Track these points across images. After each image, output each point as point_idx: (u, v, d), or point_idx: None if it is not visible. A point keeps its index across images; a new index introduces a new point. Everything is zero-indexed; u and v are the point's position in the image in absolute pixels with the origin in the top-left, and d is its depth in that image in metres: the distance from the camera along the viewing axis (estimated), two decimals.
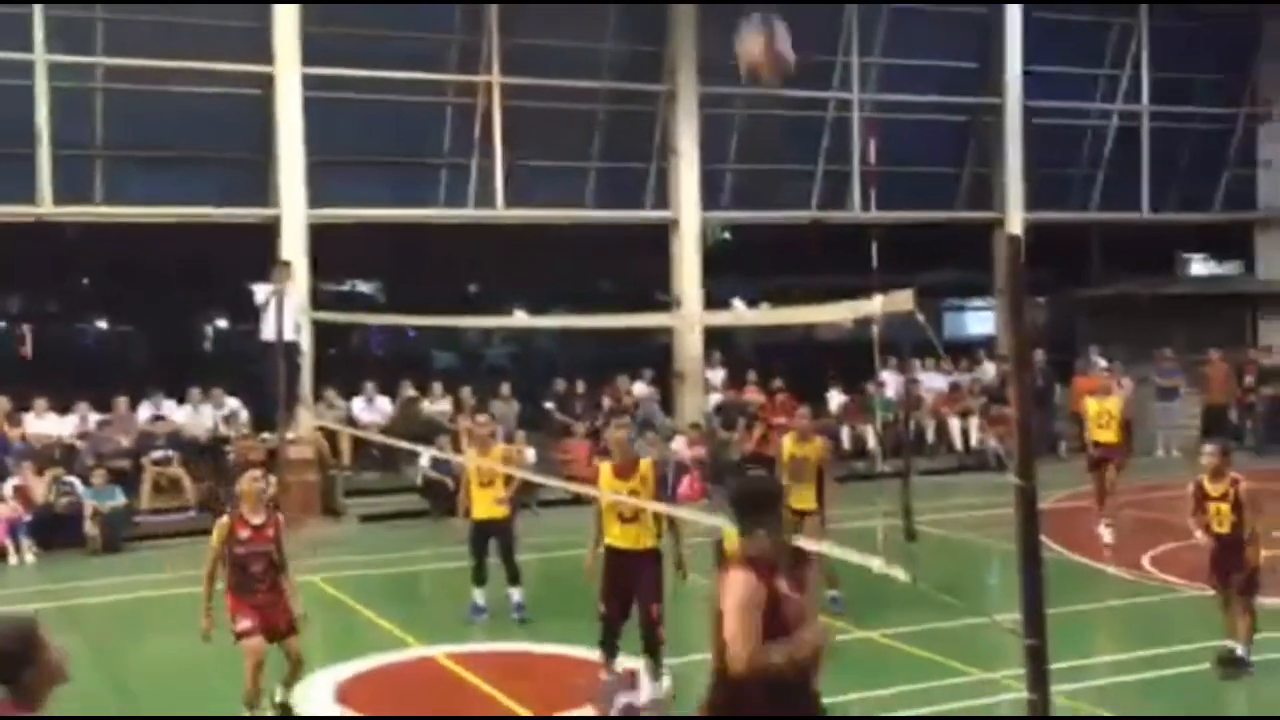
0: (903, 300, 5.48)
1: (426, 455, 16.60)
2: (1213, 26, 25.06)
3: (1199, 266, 29.50)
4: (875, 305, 5.74)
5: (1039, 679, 4.96)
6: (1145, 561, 13.38)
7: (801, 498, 11.41)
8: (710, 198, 21.53)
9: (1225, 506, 9.51)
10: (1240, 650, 9.35)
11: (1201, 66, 25.31)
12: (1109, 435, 15.31)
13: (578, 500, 16.18)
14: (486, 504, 11.79)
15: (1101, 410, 15.42)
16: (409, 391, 19.66)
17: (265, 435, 17.26)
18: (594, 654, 9.53)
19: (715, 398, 21.15)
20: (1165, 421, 22.27)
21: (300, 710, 8.87)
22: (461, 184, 20.39)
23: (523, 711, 8.99)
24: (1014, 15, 22.68)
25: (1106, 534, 14.69)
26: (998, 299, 24.68)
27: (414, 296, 23.40)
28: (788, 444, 11.93)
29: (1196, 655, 9.77)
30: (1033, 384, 5.14)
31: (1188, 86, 25.07)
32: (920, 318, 5.42)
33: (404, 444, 15.79)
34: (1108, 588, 12.40)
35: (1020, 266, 5.04)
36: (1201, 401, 22.10)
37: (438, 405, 19.54)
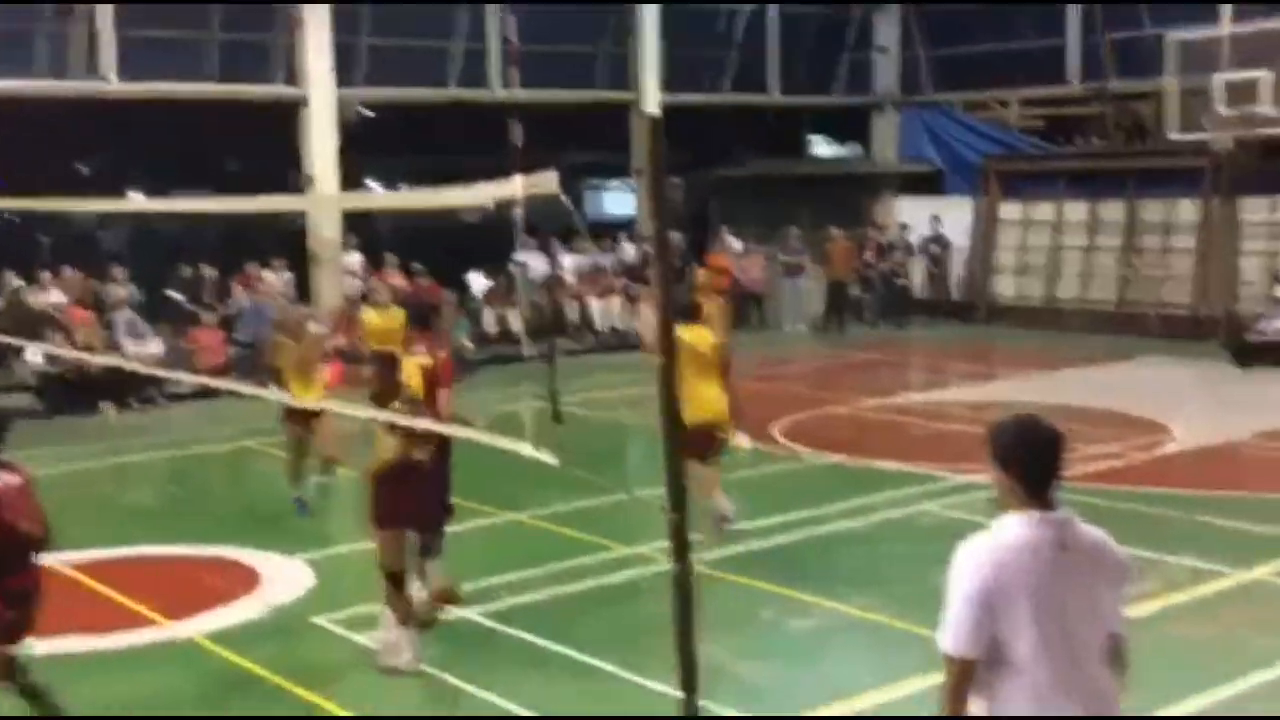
0: (546, 181, 5.49)
1: (36, 350, 15.54)
2: None
3: (823, 148, 31.19)
4: (517, 187, 5.72)
5: (682, 550, 5.19)
6: (775, 431, 14.18)
7: None
8: (345, 73, 20.81)
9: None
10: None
11: None
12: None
13: (208, 393, 15.61)
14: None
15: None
16: (14, 281, 18.21)
17: None
18: (223, 552, 9.53)
19: (354, 283, 20.73)
20: (791, 297, 23.56)
21: None
22: (63, 53, 18.79)
23: (155, 616, 8.65)
24: None
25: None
26: (637, 180, 25.26)
27: (15, 178, 21.51)
28: (372, 316, 13.22)
29: (821, 518, 10.55)
30: (672, 264, 5.27)
31: None
32: (565, 199, 5.45)
33: (10, 339, 14.70)
34: (741, 458, 13.07)
35: (660, 148, 5.13)
36: (825, 278, 23.43)
37: (48, 295, 18.21)
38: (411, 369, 8.04)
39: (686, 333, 9.11)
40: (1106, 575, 3.89)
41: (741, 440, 9.89)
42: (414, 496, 7.60)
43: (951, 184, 25.57)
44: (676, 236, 21.71)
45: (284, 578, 9.52)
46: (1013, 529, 3.82)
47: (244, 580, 9.50)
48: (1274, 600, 8.88)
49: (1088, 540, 3.89)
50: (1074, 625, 3.78)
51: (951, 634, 3.76)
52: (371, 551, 7.92)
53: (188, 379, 14.72)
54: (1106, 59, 23.31)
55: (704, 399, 9.29)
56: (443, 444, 7.74)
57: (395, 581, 7.64)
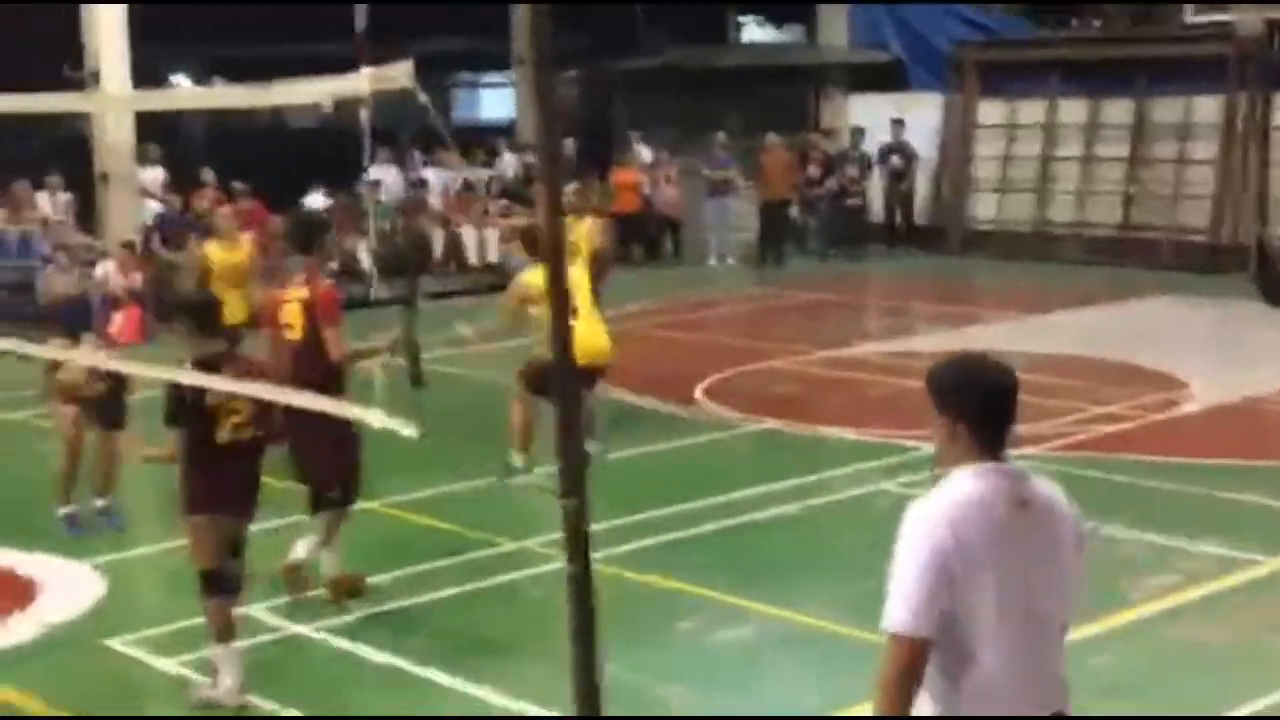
0: (399, 74, 5.43)
1: None
2: None
3: (755, 32, 31.20)
4: (363, 82, 5.66)
5: (579, 546, 5.18)
6: (698, 393, 14.24)
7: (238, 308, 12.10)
8: None
9: None
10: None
11: None
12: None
13: None
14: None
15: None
16: None
17: None
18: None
19: (154, 206, 20.43)
20: (717, 222, 23.61)
21: None
22: None
23: None
24: None
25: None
26: (519, 72, 25.09)
27: None
28: (214, 250, 13.44)
29: (756, 501, 10.62)
30: (558, 188, 5.25)
31: None
32: (423, 98, 5.39)
33: None
34: (657, 427, 13.13)
35: (546, 32, 5.07)
36: (759, 197, 23.46)
37: None
38: (291, 307, 8.49)
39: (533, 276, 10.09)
40: (1067, 540, 4.08)
41: None
42: (232, 476, 7.54)
43: (917, 78, 25.76)
44: (569, 145, 21.66)
45: (68, 588, 9.38)
46: (965, 483, 3.97)
47: (18, 593, 9.33)
48: None
49: (1045, 496, 4.07)
50: (1037, 599, 3.96)
51: (903, 608, 3.86)
52: (175, 551, 7.84)
53: None
54: None
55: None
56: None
57: (209, 583, 7.56)
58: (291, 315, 8.64)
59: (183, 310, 7.98)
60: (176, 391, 7.36)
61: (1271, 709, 7.28)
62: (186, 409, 7.33)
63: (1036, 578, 3.96)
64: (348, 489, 8.85)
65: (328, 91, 6.45)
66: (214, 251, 13.77)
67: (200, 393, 7.27)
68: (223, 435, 7.38)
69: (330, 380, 8.46)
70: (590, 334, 9.99)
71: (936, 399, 4.09)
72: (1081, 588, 4.14)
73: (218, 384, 7.21)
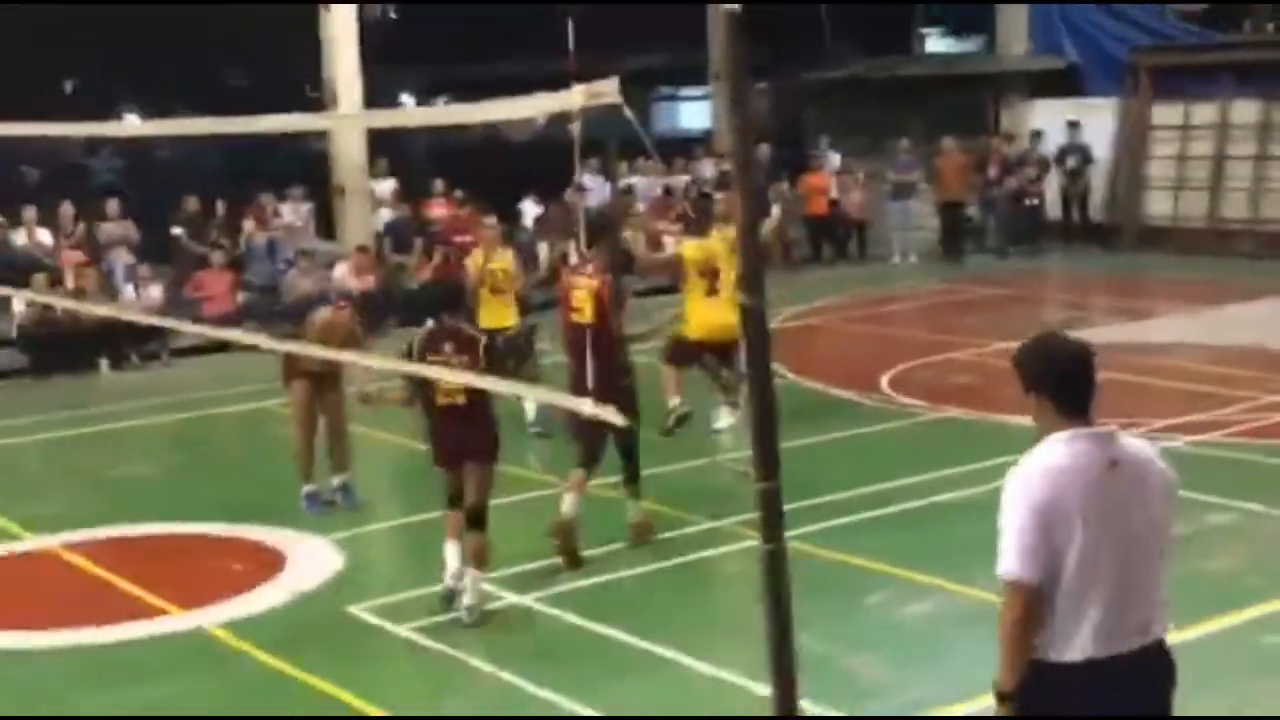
0: (607, 90, 5.46)
1: (21, 299, 15.88)
2: None
3: (937, 43, 30.80)
4: (575, 97, 5.70)
5: (774, 526, 5.18)
6: (884, 383, 14.13)
7: (498, 314, 12.17)
8: None
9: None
10: None
11: None
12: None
13: (218, 347, 15.85)
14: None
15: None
16: None
17: None
18: (236, 530, 10.01)
19: (385, 214, 20.86)
20: (900, 223, 23.36)
21: None
22: None
23: (163, 604, 8.85)
24: None
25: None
26: (714, 86, 25.12)
27: None
28: (477, 259, 12.65)
29: (938, 485, 10.51)
30: (757, 186, 5.26)
31: None
32: (628, 112, 5.42)
33: None
34: (844, 416, 13.06)
35: (741, 47, 5.08)
36: (936, 199, 23.18)
37: (34, 235, 18.57)
38: (580, 294, 9.51)
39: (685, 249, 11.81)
40: (1158, 488, 4.33)
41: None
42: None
43: (1093, 83, 25.15)
44: (763, 151, 21.60)
45: (312, 560, 9.67)
46: (1058, 448, 4.25)
47: (267, 564, 9.65)
48: None
49: (1135, 455, 4.33)
50: (1135, 542, 4.23)
51: (1014, 558, 4.17)
52: (406, 528, 8.00)
53: (195, 330, 14.90)
54: None
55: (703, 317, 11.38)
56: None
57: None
58: (581, 300, 9.51)
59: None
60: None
61: None
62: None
63: (1132, 525, 4.20)
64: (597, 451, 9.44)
65: (542, 107, 6.52)
66: (478, 259, 12.69)
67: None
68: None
69: (614, 356, 9.36)
70: (727, 314, 10.37)
71: (1022, 378, 4.35)
72: (1172, 526, 4.38)
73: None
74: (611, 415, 5.76)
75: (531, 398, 10.68)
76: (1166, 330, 16.39)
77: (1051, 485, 4.17)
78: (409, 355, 8.41)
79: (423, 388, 8.36)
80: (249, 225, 19.89)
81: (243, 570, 9.55)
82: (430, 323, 8.66)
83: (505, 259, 12.73)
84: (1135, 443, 4.38)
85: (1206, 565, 8.77)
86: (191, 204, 19.98)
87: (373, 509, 10.89)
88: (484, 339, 8.64)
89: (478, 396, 8.15)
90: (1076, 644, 4.20)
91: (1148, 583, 4.28)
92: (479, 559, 8.31)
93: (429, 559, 8.69)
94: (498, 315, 12.15)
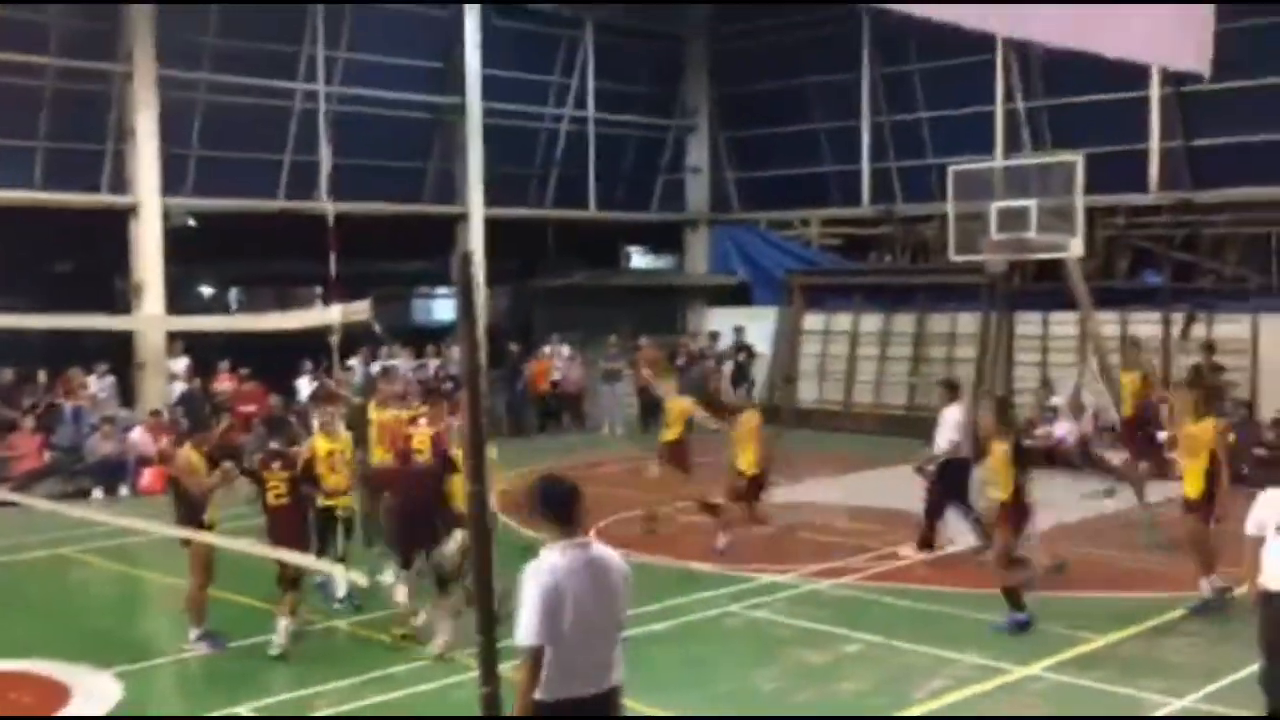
0: (360, 310, 5.50)
1: None
2: (648, 44, 26.90)
3: (640, 259, 31.71)
4: (335, 314, 5.70)
5: (489, 668, 5.11)
6: (593, 534, 14.08)
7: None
8: (173, 183, 20.41)
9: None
10: None
11: (640, 79, 27.06)
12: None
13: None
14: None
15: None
16: None
17: None
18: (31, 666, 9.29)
19: (179, 387, 20.14)
20: (609, 401, 23.73)
21: None
22: None
23: None
24: (472, 20, 23.13)
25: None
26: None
27: None
28: (321, 441, 11.18)
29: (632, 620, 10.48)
30: (478, 391, 5.29)
31: (628, 97, 26.73)
32: (377, 327, 5.51)
33: None
34: None
35: (472, 287, 5.18)
36: (636, 383, 23.62)
37: None
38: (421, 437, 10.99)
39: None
40: (617, 579, 5.14)
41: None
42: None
43: (758, 296, 26.32)
44: (512, 347, 21.77)
45: (95, 693, 9.04)
46: (555, 553, 5.04)
47: (52, 696, 8.99)
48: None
49: (603, 557, 5.14)
50: (600, 616, 5.02)
51: (526, 629, 4.89)
52: (185, 661, 7.55)
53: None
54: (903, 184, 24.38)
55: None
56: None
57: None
58: (421, 443, 10.84)
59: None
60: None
61: None
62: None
63: (600, 603, 5.02)
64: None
65: (310, 319, 6.49)
66: (321, 442, 11.17)
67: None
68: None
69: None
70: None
71: (534, 507, 5.11)
72: (627, 606, 5.19)
73: None
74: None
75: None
76: (812, 491, 16.90)
77: (553, 573, 4.94)
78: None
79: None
80: (58, 394, 18.92)
81: (27, 702, 8.86)
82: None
83: (343, 440, 11.39)
84: (605, 549, 5.19)
85: (841, 687, 8.95)
86: (7, 375, 18.94)
87: (153, 643, 10.29)
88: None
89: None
90: (560, 686, 4.89)
91: (608, 643, 5.07)
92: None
93: (200, 692, 8.24)
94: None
